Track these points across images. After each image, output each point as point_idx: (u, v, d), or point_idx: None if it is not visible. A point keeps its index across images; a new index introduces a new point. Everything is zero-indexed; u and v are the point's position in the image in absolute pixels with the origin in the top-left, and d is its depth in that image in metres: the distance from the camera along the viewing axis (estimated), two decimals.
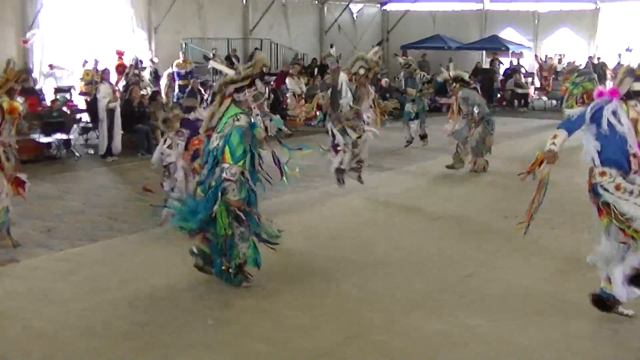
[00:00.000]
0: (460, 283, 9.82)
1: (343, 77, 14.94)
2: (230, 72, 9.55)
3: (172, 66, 28.15)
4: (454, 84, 18.05)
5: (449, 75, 18.31)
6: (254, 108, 9.35)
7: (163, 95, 26.21)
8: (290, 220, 12.79)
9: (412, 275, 10.06)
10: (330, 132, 15.02)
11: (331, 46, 38.09)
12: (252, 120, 9.33)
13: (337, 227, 12.54)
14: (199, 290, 9.45)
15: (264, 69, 9.74)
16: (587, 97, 25.31)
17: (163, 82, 28.24)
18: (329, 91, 14.96)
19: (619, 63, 34.71)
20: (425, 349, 7.77)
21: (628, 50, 33.62)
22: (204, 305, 8.94)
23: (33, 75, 25.10)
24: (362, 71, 15.08)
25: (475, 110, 17.54)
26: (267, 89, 25.31)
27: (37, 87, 24.35)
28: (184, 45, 30.60)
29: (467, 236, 12.07)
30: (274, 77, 29.81)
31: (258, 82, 9.51)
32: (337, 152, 14.99)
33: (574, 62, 34.01)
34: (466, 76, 18.38)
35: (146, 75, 27.70)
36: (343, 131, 14.79)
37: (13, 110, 11.03)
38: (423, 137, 21.98)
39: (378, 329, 8.25)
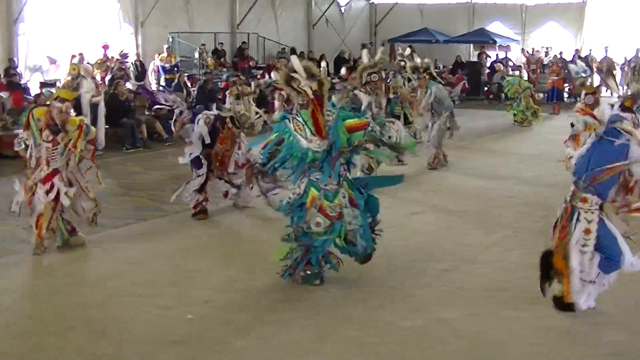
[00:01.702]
0: (439, 277, 9.87)
1: (363, 97, 14.58)
2: None
3: (156, 59, 28.27)
4: (424, 75, 17.58)
5: (420, 64, 17.86)
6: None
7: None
8: (273, 213, 12.94)
9: (392, 270, 10.10)
10: None
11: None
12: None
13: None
14: (180, 286, 9.50)
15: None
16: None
17: (151, 76, 28.41)
18: None
19: (605, 57, 34.98)
20: (401, 344, 7.81)
21: None
22: (183, 301, 8.96)
23: (18, 69, 25.10)
24: (375, 77, 14.78)
25: (445, 114, 17.25)
26: (253, 83, 25.42)
27: (23, 81, 24.33)
28: (170, 40, 30.58)
29: (448, 230, 12.12)
30: (261, 72, 29.88)
31: None
32: None
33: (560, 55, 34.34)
34: (433, 70, 17.86)
35: (131, 69, 27.77)
36: None
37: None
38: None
39: (355, 325, 8.28)
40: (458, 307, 8.76)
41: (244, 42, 34.38)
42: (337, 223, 9.28)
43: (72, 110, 11.34)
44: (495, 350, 7.69)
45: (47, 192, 10.68)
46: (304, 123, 9.26)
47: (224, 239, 11.99)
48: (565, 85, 33.14)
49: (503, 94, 34.42)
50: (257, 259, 10.55)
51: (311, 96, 9.18)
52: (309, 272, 9.50)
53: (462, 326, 8.23)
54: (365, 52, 15.83)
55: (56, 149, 10.66)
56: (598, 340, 7.95)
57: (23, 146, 10.95)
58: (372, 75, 14.63)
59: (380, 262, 10.23)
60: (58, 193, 10.71)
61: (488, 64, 38.43)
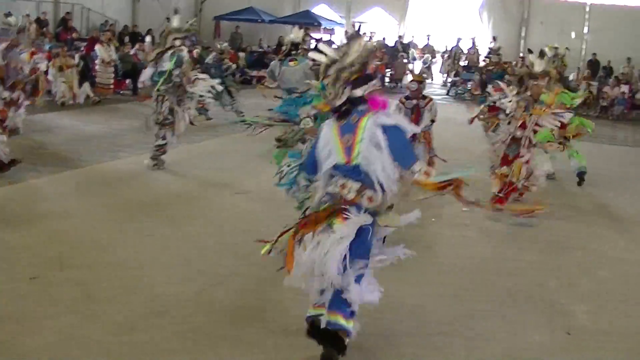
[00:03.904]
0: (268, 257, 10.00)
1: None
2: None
3: None
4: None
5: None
6: None
7: None
8: (105, 191, 12.90)
9: (221, 251, 10.27)
10: None
11: None
12: None
13: (150, 199, 12.60)
14: (7, 262, 9.33)
15: None
16: None
17: None
18: None
19: (427, 44, 35.99)
20: (235, 322, 7.97)
21: None
22: (10, 277, 8.82)
23: None
24: (178, 43, 14.82)
25: None
26: (77, 55, 24.98)
27: None
28: None
29: (281, 212, 12.11)
30: (84, 44, 29.34)
31: None
32: None
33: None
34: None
35: None
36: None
37: None
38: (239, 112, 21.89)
39: (185, 304, 8.37)
40: (289, 288, 8.89)
41: (67, 13, 33.64)
42: None
43: None
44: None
45: None
46: None
47: (48, 213, 11.68)
48: (387, 70, 33.90)
49: None
50: (83, 236, 10.52)
51: None
52: None
53: (289, 305, 8.35)
54: (177, 16, 15.80)
55: None
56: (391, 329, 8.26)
57: None
58: (176, 41, 14.69)
59: (215, 244, 10.35)
60: None
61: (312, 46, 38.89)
